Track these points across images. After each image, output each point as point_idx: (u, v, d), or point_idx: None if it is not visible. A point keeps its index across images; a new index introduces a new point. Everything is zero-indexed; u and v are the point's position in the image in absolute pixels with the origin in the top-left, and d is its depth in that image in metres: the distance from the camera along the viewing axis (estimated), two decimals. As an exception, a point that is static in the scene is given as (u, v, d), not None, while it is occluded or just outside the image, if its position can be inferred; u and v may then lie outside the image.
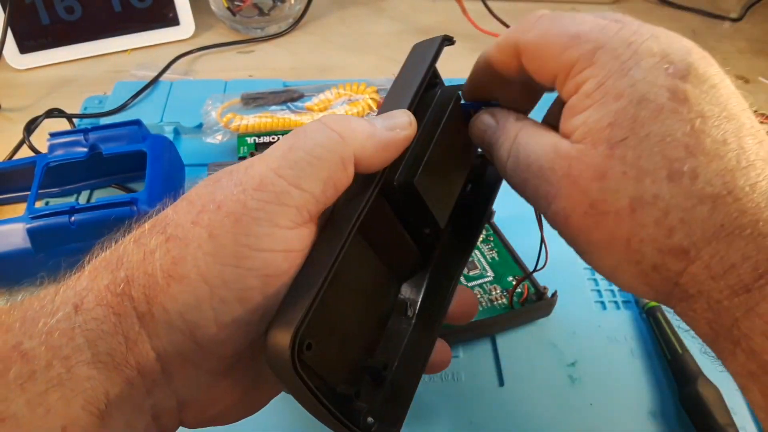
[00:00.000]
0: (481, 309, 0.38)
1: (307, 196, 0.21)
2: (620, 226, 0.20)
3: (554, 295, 0.37)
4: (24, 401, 0.18)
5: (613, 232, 0.21)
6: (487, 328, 0.37)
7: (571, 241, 0.23)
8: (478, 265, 0.40)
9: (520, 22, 0.24)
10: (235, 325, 0.21)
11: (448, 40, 0.27)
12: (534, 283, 0.39)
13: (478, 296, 0.38)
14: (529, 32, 0.23)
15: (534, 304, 0.38)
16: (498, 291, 0.39)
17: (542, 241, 0.30)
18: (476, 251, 0.41)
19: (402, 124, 0.24)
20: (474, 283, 0.39)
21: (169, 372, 0.21)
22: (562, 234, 0.23)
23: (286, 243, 0.21)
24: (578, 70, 0.22)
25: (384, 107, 0.25)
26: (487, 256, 0.41)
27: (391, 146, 0.23)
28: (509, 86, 0.26)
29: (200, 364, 0.21)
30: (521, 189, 0.24)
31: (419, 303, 0.28)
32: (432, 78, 0.27)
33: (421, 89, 0.25)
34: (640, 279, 0.21)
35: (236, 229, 0.20)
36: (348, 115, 0.25)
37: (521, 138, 0.24)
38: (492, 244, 0.42)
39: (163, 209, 0.22)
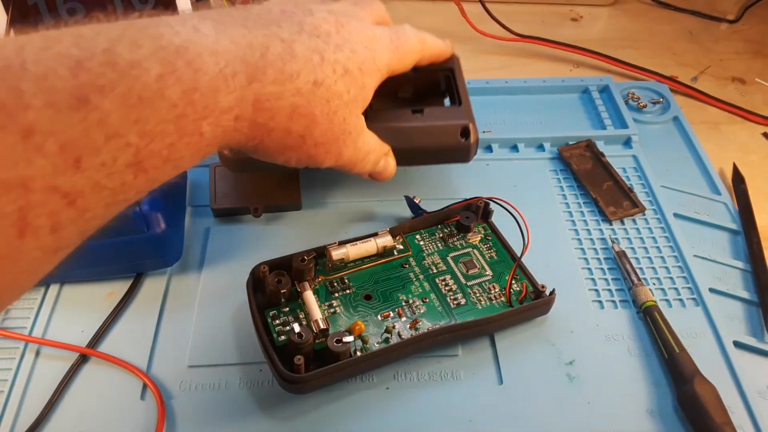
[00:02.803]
0: (480, 308, 0.38)
1: None
2: None
3: (552, 292, 0.38)
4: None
5: None
6: (486, 326, 0.37)
7: None
8: (477, 264, 0.40)
9: None
10: None
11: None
12: (532, 281, 0.39)
13: (477, 295, 0.39)
14: None
15: (532, 302, 0.38)
16: (497, 290, 0.39)
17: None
18: (475, 251, 0.41)
19: None
20: (473, 282, 0.39)
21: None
22: None
23: None
24: None
25: None
26: (486, 256, 0.41)
27: None
28: None
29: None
30: None
31: None
32: None
33: None
34: None
35: None
36: None
37: None
38: (490, 243, 0.42)
39: None
